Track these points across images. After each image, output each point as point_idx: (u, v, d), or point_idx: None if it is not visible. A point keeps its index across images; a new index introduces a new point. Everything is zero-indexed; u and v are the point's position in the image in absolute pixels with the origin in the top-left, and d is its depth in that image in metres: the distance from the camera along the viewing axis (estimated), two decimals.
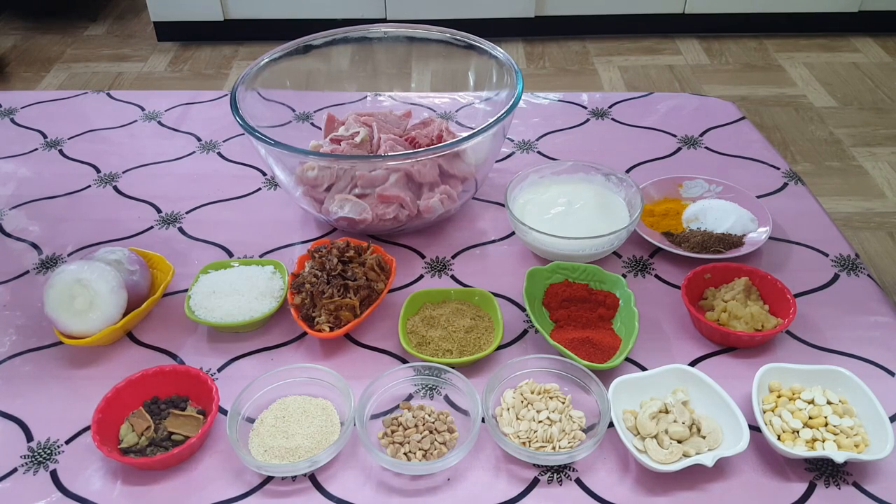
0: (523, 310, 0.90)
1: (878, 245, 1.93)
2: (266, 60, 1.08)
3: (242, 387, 0.77)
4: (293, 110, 1.21)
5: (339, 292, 0.85)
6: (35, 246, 1.03)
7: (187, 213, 1.08)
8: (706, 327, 0.84)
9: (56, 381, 0.83)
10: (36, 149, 1.23)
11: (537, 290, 0.90)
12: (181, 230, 1.05)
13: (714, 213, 0.99)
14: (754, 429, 0.73)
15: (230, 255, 1.00)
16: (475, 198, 1.10)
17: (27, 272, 0.98)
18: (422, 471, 0.72)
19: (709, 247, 0.95)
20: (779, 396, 0.76)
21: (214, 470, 0.73)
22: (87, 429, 0.77)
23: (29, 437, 0.77)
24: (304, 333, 0.88)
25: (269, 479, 0.72)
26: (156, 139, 1.25)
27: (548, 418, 0.74)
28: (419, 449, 0.72)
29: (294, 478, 0.72)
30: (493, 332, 0.85)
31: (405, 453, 0.72)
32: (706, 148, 1.19)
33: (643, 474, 0.72)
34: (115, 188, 1.13)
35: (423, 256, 1.00)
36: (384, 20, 2.89)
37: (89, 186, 1.14)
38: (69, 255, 1.01)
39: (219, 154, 1.21)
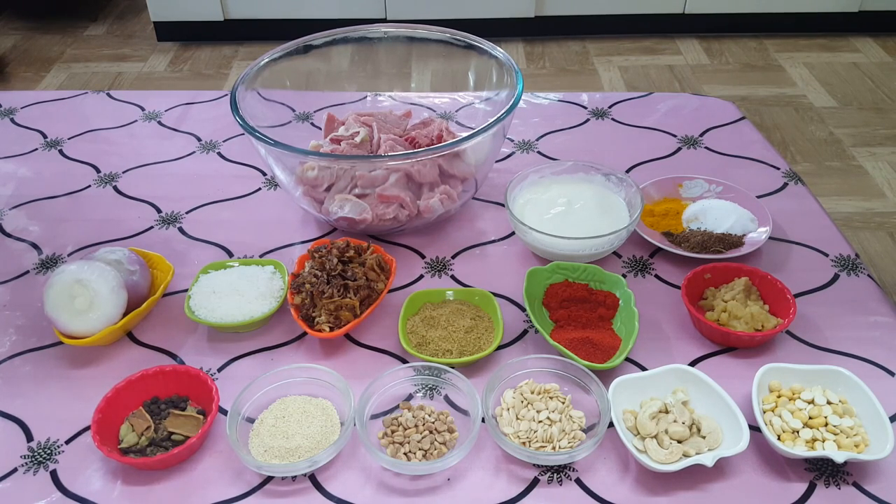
0: (523, 310, 0.90)
1: (878, 245, 1.93)
2: (266, 60, 1.08)
3: (242, 387, 0.77)
4: (293, 110, 1.21)
5: (339, 292, 0.85)
6: (35, 246, 1.03)
7: (187, 213, 1.08)
8: (706, 327, 0.84)
9: (56, 381, 0.83)
10: (36, 149, 1.23)
11: (537, 290, 0.90)
12: (181, 230, 1.05)
13: (714, 213, 0.99)
14: (754, 429, 0.73)
15: (230, 255, 1.00)
16: (475, 198, 1.10)
17: (27, 272, 0.98)
18: (422, 471, 0.72)
19: (709, 247, 0.95)
20: (779, 396, 0.76)
21: (214, 470, 0.73)
22: (87, 429, 0.77)
23: (29, 437, 0.77)
24: (304, 333, 0.88)
25: (269, 479, 0.72)
26: (156, 139, 1.25)
27: (548, 418, 0.74)
28: (419, 449, 0.72)
29: (294, 478, 0.72)
30: (493, 332, 0.85)
31: (405, 453, 0.72)
32: (706, 148, 1.19)
33: (643, 474, 0.72)
34: (115, 188, 1.13)
35: (423, 256, 1.00)
36: (384, 20, 2.89)
37: (89, 186, 1.14)
38: (69, 255, 1.01)
39: (219, 154, 1.21)
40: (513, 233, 1.02)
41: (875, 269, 1.85)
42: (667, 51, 2.91)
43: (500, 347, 0.85)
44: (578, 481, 0.71)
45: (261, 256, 0.99)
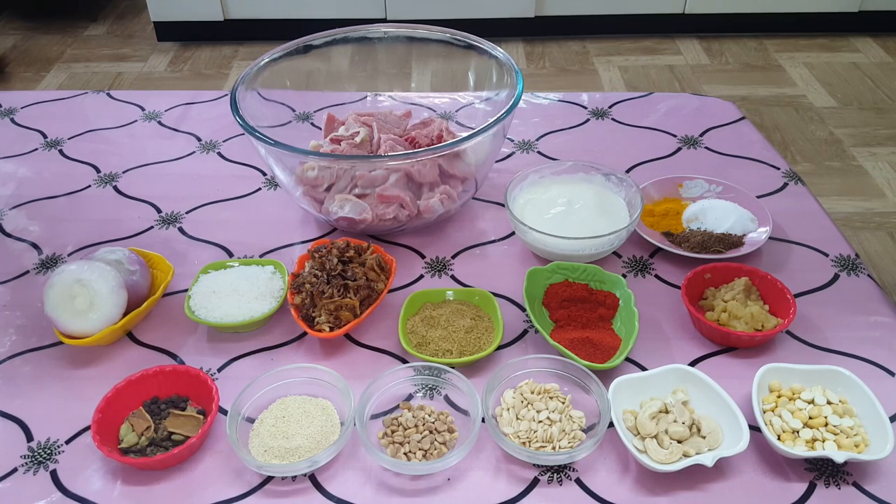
0: (523, 310, 0.90)
1: (878, 245, 1.93)
2: (266, 60, 1.08)
3: (242, 387, 0.77)
4: (293, 110, 1.21)
5: (339, 292, 0.85)
6: (35, 246, 1.03)
7: (187, 213, 1.08)
8: (706, 327, 0.84)
9: (56, 381, 0.83)
10: (36, 149, 1.23)
11: (537, 290, 0.90)
12: (181, 230, 1.05)
13: (714, 213, 0.99)
14: (754, 429, 0.73)
15: (230, 255, 1.00)
16: (475, 198, 1.10)
17: (27, 272, 0.98)
18: (422, 471, 0.72)
19: (709, 247, 0.95)
20: (779, 396, 0.76)
21: (214, 470, 0.73)
22: (87, 429, 0.77)
23: (29, 437, 0.77)
24: (304, 333, 0.88)
25: (269, 479, 0.72)
26: (156, 139, 1.25)
27: (548, 418, 0.74)
28: (419, 449, 0.72)
29: (294, 478, 0.72)
30: (493, 332, 0.85)
31: (405, 453, 0.72)
32: (706, 148, 1.19)
33: (643, 474, 0.72)
34: (115, 188, 1.13)
35: (423, 256, 1.00)
36: (384, 20, 2.89)
37: (89, 186, 1.14)
38: (69, 255, 1.01)
39: (219, 154, 1.21)
40: (513, 233, 1.02)
41: (875, 269, 1.85)
42: (667, 51, 2.91)
43: (500, 347, 0.85)
44: (578, 481, 0.71)
45: (261, 256, 0.99)
